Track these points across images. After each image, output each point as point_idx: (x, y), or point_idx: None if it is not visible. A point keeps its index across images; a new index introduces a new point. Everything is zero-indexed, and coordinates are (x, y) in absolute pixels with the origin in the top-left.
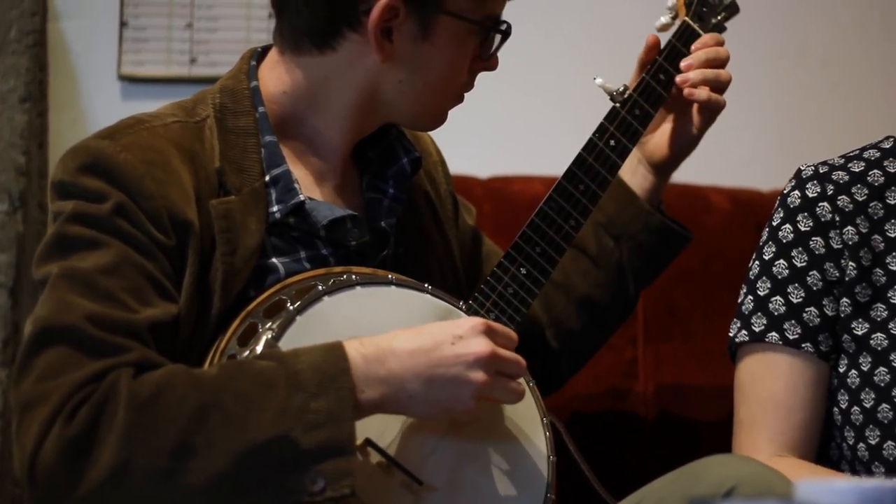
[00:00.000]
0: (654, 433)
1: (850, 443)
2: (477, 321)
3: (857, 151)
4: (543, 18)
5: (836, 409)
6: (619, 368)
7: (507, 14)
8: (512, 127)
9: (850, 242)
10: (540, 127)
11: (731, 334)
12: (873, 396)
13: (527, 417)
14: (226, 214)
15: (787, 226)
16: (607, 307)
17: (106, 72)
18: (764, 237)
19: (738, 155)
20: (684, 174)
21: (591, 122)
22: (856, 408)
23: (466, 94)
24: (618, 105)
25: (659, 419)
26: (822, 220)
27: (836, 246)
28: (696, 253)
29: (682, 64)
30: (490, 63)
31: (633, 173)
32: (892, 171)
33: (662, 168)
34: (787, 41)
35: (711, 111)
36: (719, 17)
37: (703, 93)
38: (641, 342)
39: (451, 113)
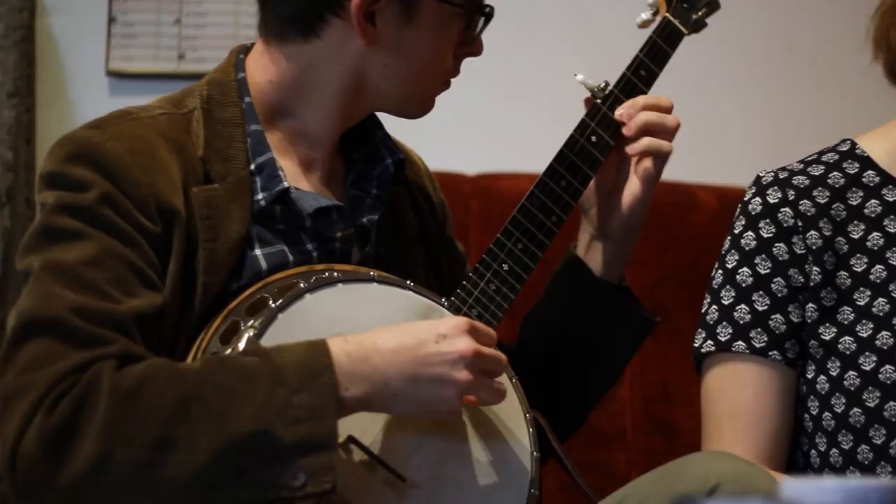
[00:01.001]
0: (639, 431)
1: (822, 449)
2: (461, 320)
3: (815, 156)
4: (531, 16)
5: (806, 415)
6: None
7: (496, 8)
8: (499, 124)
9: (814, 247)
10: (527, 124)
11: (695, 345)
12: (844, 401)
13: (510, 414)
14: (208, 202)
15: (750, 233)
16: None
17: (94, 67)
18: (726, 246)
19: (726, 153)
20: (671, 172)
21: (578, 119)
22: (827, 413)
23: (454, 93)
24: (599, 101)
25: (644, 417)
26: (785, 225)
27: (799, 251)
28: (683, 251)
29: (616, 114)
30: (475, 48)
31: (589, 249)
32: (852, 172)
33: (615, 236)
34: (776, 40)
35: (658, 159)
36: (700, 14)
37: (642, 142)
38: None
39: (439, 110)
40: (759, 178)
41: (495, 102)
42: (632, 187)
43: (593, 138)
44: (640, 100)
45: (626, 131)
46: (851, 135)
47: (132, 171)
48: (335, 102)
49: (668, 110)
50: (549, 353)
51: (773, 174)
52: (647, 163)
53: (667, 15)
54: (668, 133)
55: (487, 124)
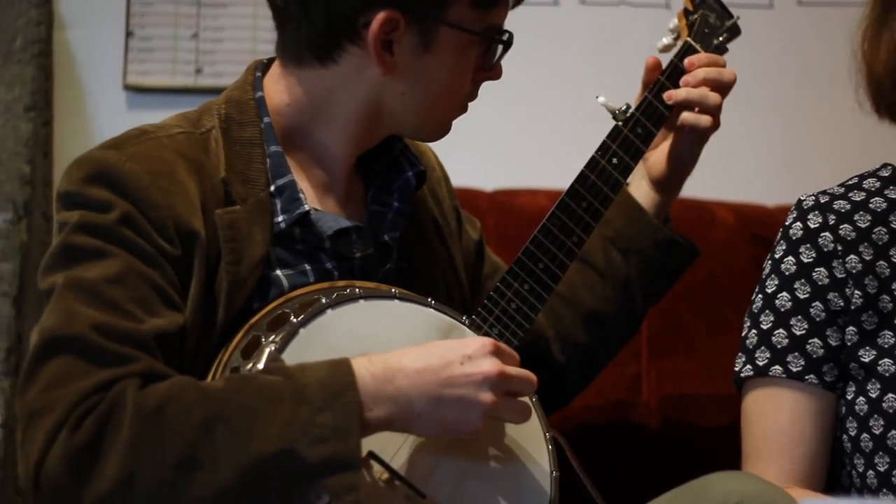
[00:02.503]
0: (658, 448)
1: (860, 470)
2: (486, 341)
3: (857, 180)
4: (550, 33)
5: (845, 436)
6: (623, 383)
7: (513, 27)
8: (517, 140)
9: (854, 271)
10: (545, 140)
11: (736, 369)
12: (882, 423)
13: (530, 433)
14: (231, 224)
15: (790, 258)
16: (614, 322)
17: (111, 81)
18: (766, 270)
19: (743, 170)
20: (689, 189)
21: (596, 136)
22: (865, 435)
23: (472, 107)
24: (620, 123)
25: (662, 434)
26: (825, 250)
27: (839, 275)
28: (701, 268)
29: (681, 80)
30: (494, 73)
31: (639, 188)
32: (893, 196)
33: (664, 184)
34: (792, 59)
35: (697, 134)
36: (721, 39)
37: (683, 117)
38: (645, 357)
39: (457, 126)
40: (799, 202)
41: (513, 118)
42: (684, 147)
43: (614, 160)
44: (701, 72)
45: (665, 96)
46: (866, 155)
47: (151, 194)
48: (352, 127)
49: (724, 86)
50: (601, 319)
51: (814, 198)
52: (693, 133)
53: (688, 39)
54: (709, 108)
55: (505, 140)
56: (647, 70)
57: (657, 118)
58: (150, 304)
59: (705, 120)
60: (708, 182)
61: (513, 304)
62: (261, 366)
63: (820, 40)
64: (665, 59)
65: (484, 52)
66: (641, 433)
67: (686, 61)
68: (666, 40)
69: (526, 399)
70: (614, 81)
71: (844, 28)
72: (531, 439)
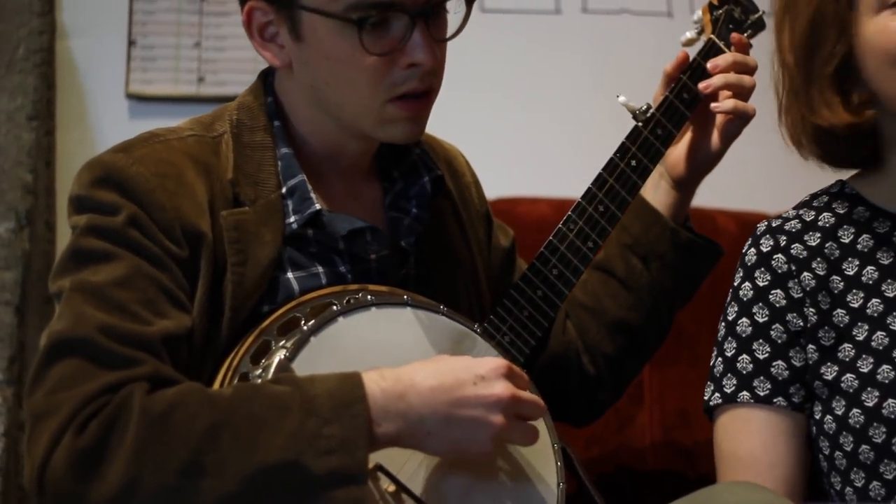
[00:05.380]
0: (660, 457)
1: (838, 488)
2: (500, 363)
3: (808, 198)
4: (552, 41)
5: (820, 455)
6: (626, 391)
7: (515, 34)
8: (518, 148)
9: (808, 288)
10: (546, 149)
11: (705, 398)
12: (852, 439)
13: (538, 445)
14: (237, 225)
15: (747, 283)
16: (641, 330)
17: (113, 90)
18: (728, 299)
19: (746, 178)
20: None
21: (597, 145)
22: (838, 452)
23: (472, 115)
24: (640, 124)
25: (665, 443)
26: (779, 271)
27: (796, 295)
28: None
29: (709, 65)
30: (413, 56)
31: (656, 189)
32: (842, 211)
33: (685, 183)
34: None
35: (740, 120)
36: (745, 34)
37: (728, 103)
38: (647, 365)
39: (457, 134)
40: (755, 228)
41: (514, 126)
42: (712, 143)
43: (633, 162)
44: (729, 56)
45: (703, 86)
46: None
47: (157, 196)
48: (318, 123)
49: (751, 71)
50: (630, 326)
51: (766, 224)
52: (731, 123)
53: (712, 36)
54: (745, 93)
55: (506, 148)
56: (676, 63)
57: (678, 119)
58: (157, 305)
59: (752, 107)
60: (709, 189)
61: (525, 311)
62: (270, 374)
63: None
64: (663, 61)
65: (362, 34)
66: (644, 441)
67: (710, 63)
68: (689, 34)
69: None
70: (616, 89)
71: None
72: (539, 451)
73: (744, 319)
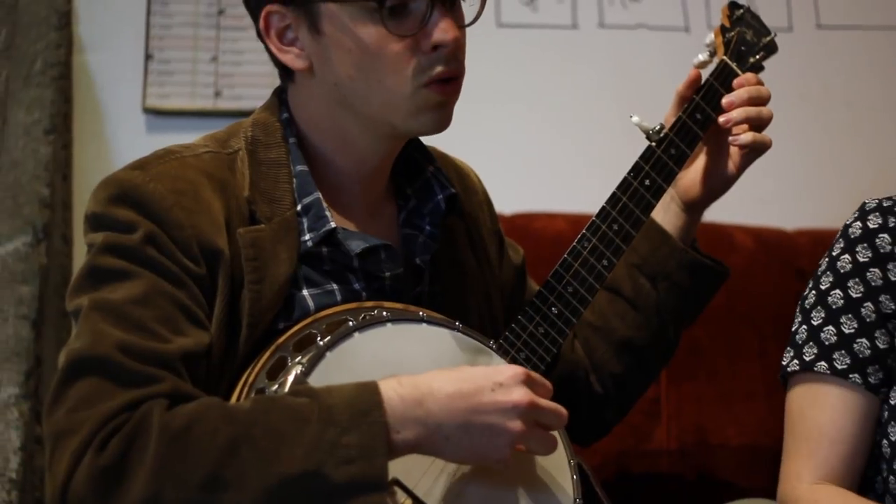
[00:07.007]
0: (677, 472)
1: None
2: (518, 370)
3: None
4: (569, 56)
5: (885, 441)
6: (642, 407)
7: (533, 50)
8: (535, 164)
9: None
10: (564, 164)
11: (783, 363)
12: None
13: (555, 460)
14: (254, 243)
15: (846, 256)
16: (648, 349)
17: (130, 104)
18: (822, 266)
19: (762, 194)
20: (708, 213)
21: (614, 160)
22: None
23: (490, 131)
24: (654, 144)
25: (682, 458)
26: (882, 251)
27: (893, 278)
28: (720, 292)
29: (724, 101)
30: (436, 37)
31: (666, 211)
32: None
33: (696, 206)
34: (811, 82)
35: (756, 152)
36: (757, 57)
37: (747, 137)
38: (664, 381)
39: (476, 149)
40: (863, 204)
41: (532, 141)
42: (727, 169)
43: (647, 182)
44: (744, 92)
45: (723, 121)
46: (885, 176)
47: (174, 213)
48: (338, 133)
49: (766, 102)
50: (638, 346)
51: (877, 202)
52: (748, 154)
53: (724, 58)
54: (763, 125)
55: (523, 163)
56: (687, 82)
57: (691, 139)
58: (175, 323)
59: (769, 139)
60: (726, 206)
61: (541, 328)
62: (287, 388)
63: (839, 63)
64: (679, 76)
65: (385, 18)
66: (661, 457)
67: (725, 101)
68: (702, 56)
69: (554, 432)
70: (633, 104)
71: (863, 51)
72: (556, 466)
73: (837, 291)
